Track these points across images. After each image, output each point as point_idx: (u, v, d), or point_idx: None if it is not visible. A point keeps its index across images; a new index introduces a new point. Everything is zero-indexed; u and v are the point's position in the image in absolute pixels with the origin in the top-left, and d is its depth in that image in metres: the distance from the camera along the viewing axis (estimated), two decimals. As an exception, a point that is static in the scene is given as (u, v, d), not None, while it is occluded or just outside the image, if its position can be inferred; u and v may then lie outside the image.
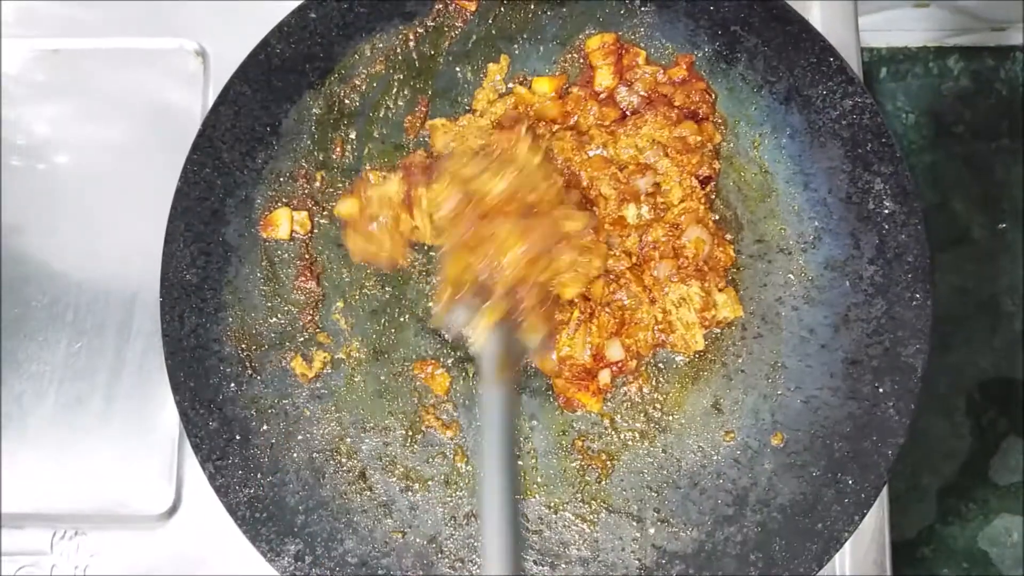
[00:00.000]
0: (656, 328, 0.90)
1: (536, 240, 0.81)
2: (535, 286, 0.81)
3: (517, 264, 0.80)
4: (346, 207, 0.90)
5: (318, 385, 0.90)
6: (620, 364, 0.89)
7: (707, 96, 0.93)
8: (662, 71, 0.94)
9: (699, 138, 0.91)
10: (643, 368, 0.91)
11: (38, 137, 1.04)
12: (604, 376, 0.90)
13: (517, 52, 0.95)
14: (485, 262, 0.80)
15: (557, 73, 0.95)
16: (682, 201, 0.91)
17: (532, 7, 0.95)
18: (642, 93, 0.93)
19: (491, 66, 0.95)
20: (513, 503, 0.72)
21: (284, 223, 0.91)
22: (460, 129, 0.94)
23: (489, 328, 0.80)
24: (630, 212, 0.90)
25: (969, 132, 1.55)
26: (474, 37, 0.95)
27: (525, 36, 0.96)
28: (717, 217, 0.92)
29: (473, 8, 0.94)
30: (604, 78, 0.94)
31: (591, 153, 0.91)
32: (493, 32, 0.95)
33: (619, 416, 0.91)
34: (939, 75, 1.56)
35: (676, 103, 0.92)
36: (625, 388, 0.91)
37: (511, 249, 0.80)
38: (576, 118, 0.94)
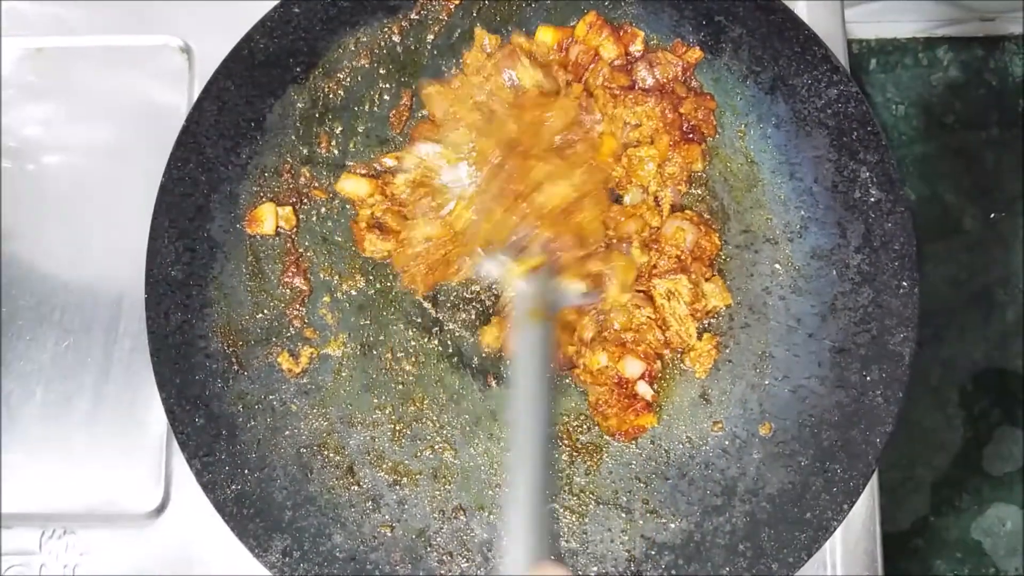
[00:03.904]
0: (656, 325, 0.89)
1: (580, 182, 0.80)
2: (573, 235, 0.79)
3: (555, 213, 0.79)
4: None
5: (305, 380, 0.90)
6: (648, 372, 0.89)
7: (711, 117, 0.93)
8: (681, 62, 0.93)
9: (680, 166, 0.92)
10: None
11: (26, 138, 1.04)
12: (643, 388, 0.88)
13: (502, 45, 0.95)
14: (520, 216, 0.79)
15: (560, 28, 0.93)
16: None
17: (517, -1, 0.95)
18: (659, 77, 0.93)
19: (478, 31, 0.93)
20: (547, 453, 0.66)
21: (269, 218, 0.91)
22: (456, 90, 0.91)
23: (525, 274, 0.78)
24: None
25: (960, 123, 1.54)
26: (458, 30, 0.95)
27: (510, 29, 0.95)
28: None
29: (457, 1, 0.94)
30: (608, 51, 0.93)
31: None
32: (477, 25, 0.95)
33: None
34: (929, 66, 1.55)
35: (682, 109, 0.92)
36: (613, 380, 0.90)
37: (552, 196, 0.79)
38: (586, 77, 0.93)
